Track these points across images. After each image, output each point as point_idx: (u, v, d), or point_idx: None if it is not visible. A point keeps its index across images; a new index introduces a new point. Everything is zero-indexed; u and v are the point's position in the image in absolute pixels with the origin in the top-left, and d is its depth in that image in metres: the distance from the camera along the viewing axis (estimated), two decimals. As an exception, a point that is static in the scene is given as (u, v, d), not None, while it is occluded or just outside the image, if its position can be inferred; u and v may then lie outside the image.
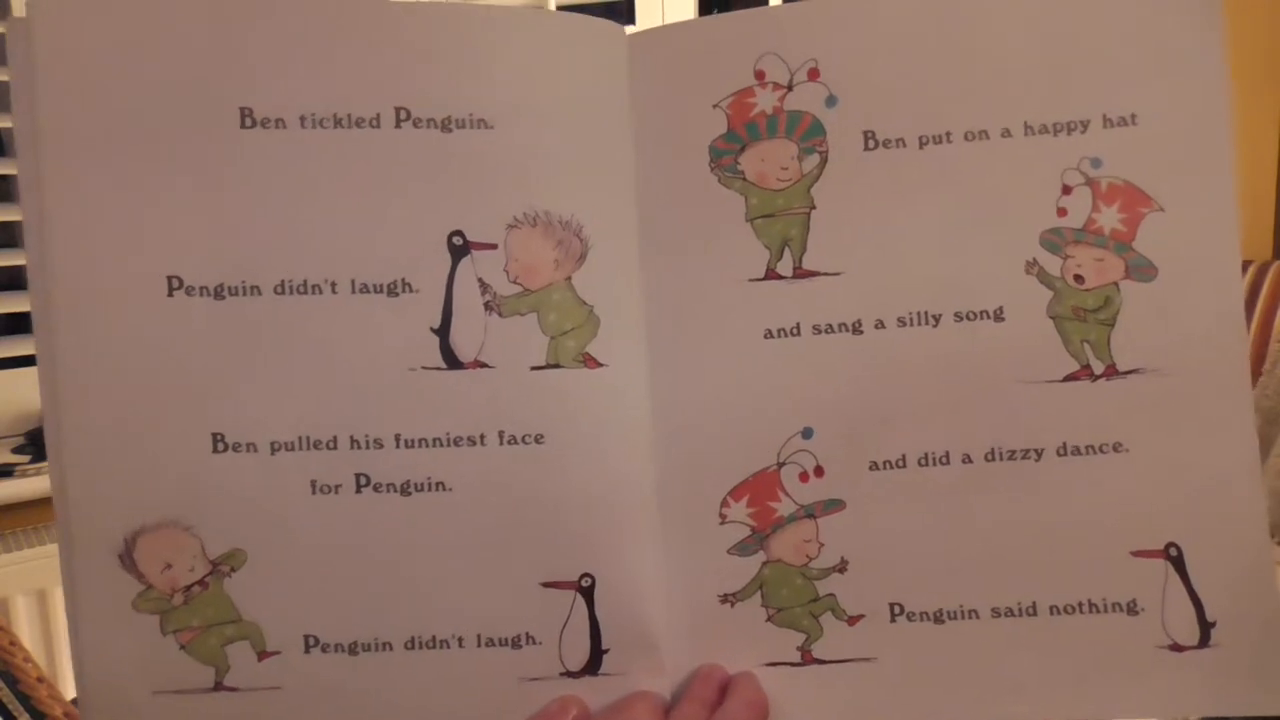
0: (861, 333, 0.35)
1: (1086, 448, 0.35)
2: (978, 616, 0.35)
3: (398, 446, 0.34)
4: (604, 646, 0.35)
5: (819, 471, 0.35)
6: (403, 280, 0.34)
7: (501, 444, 0.34)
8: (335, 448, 0.34)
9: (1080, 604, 0.35)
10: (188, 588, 0.34)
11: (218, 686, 0.34)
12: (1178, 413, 0.34)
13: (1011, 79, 0.34)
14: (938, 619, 0.35)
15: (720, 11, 0.36)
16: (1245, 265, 1.19)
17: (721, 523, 0.35)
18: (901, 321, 0.35)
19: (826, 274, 0.35)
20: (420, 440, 0.34)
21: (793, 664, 0.36)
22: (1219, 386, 0.34)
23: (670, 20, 0.36)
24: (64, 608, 0.34)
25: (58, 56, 0.32)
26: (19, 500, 1.19)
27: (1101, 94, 0.34)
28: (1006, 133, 0.34)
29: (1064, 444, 0.35)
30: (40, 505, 1.22)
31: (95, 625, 0.34)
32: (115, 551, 0.33)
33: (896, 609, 0.35)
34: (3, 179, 1.27)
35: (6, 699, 0.66)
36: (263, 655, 0.34)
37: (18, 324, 1.32)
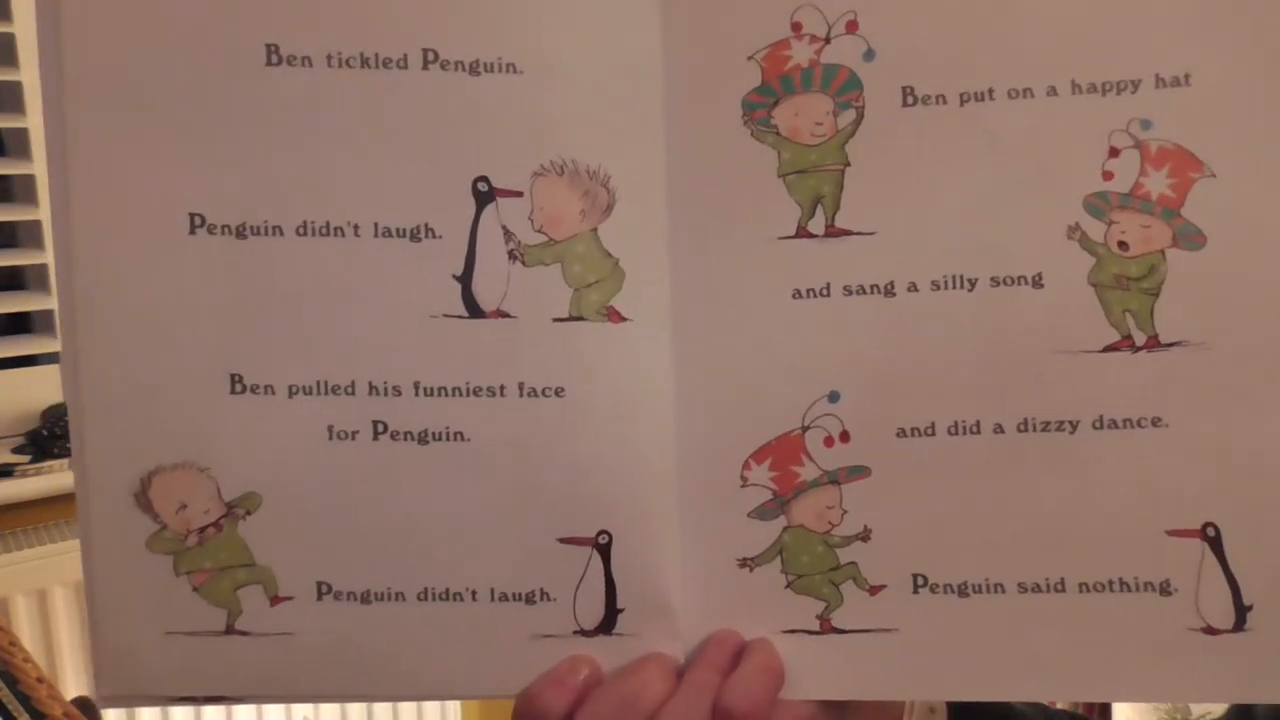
0: (894, 295, 0.34)
1: (1124, 421, 0.33)
2: (1003, 591, 0.34)
3: (416, 395, 0.33)
4: (619, 606, 0.34)
5: (845, 437, 0.34)
6: (425, 225, 0.33)
7: (521, 396, 0.34)
8: (353, 393, 0.33)
9: (1111, 582, 0.34)
10: (202, 529, 0.34)
11: (229, 630, 0.34)
12: (1221, 388, 0.33)
13: (1059, 35, 0.33)
14: (962, 592, 0.34)
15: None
16: None
17: (742, 485, 0.35)
18: (936, 285, 0.34)
19: (859, 233, 0.34)
20: (439, 389, 0.33)
21: (811, 632, 0.35)
22: (1266, 363, 0.33)
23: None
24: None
25: None
26: (19, 500, 1.20)
27: (1154, 52, 0.33)
28: (1052, 91, 0.33)
29: (1100, 417, 0.33)
30: (40, 505, 1.22)
31: (109, 565, 0.34)
32: (131, 490, 0.33)
33: (920, 580, 0.34)
34: (3, 179, 1.28)
35: (6, 699, 0.67)
36: (275, 600, 0.34)
37: (18, 324, 1.33)
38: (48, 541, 1.22)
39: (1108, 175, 0.33)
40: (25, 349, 1.28)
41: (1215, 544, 0.33)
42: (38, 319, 1.31)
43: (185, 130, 0.32)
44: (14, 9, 1.20)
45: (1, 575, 1.18)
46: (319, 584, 0.34)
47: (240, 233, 0.33)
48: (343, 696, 0.35)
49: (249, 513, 0.34)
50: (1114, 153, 0.33)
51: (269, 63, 0.32)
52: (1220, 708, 0.44)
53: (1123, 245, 0.33)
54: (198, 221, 0.33)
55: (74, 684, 1.22)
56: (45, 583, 1.20)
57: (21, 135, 1.24)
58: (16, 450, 1.26)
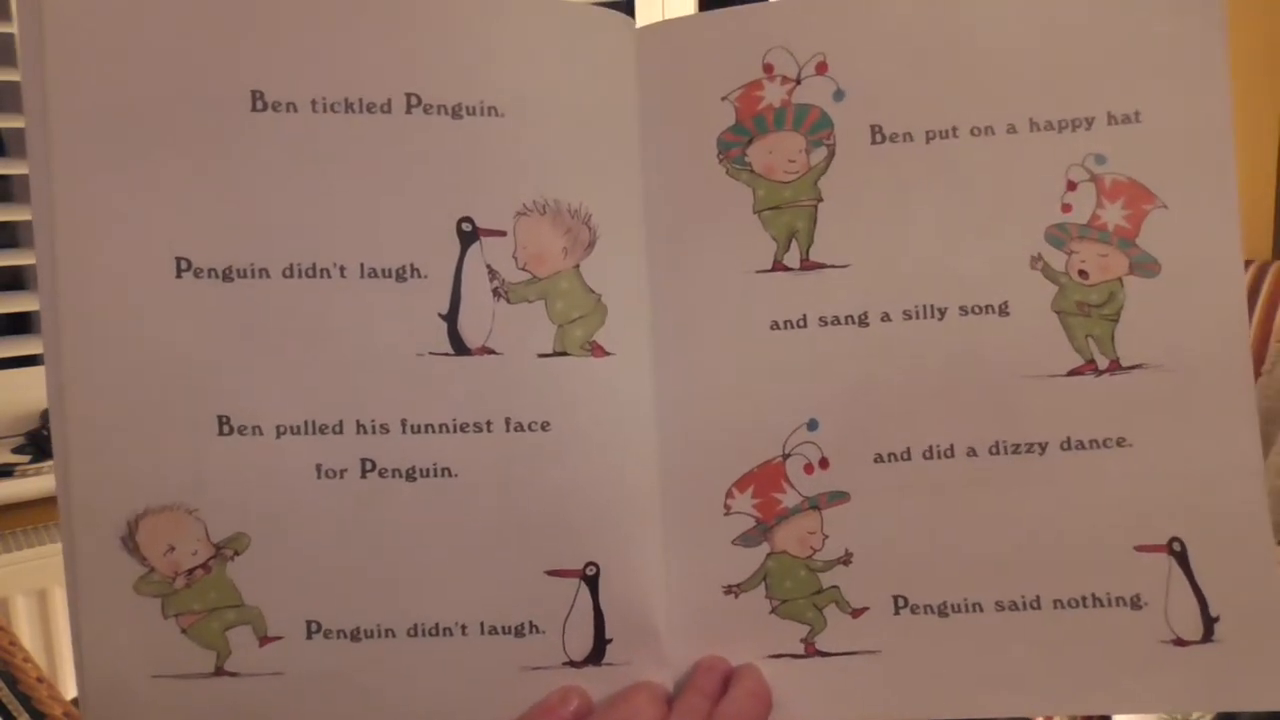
0: (867, 325, 0.35)
1: (1090, 442, 0.35)
2: (981, 610, 0.35)
3: (404, 432, 0.34)
4: (607, 636, 0.35)
5: (824, 463, 0.35)
6: (411, 266, 0.34)
7: (508, 431, 0.34)
8: (341, 432, 0.34)
9: (1084, 598, 0.35)
10: (190, 571, 0.34)
11: (218, 671, 0.34)
12: (1181, 408, 0.34)
13: (1017, 76, 0.35)
14: (941, 612, 0.35)
15: (723, 7, 0.36)
16: (1245, 265, 1.18)
17: (726, 514, 0.35)
18: (907, 315, 0.35)
19: (833, 266, 0.35)
20: (426, 426, 0.34)
21: (796, 656, 0.36)
22: (1221, 382, 0.34)
23: (670, 17, 0.37)
24: (65, 593, 0.34)
25: (69, 34, 0.32)
26: (19, 500, 1.19)
27: (1106, 91, 0.34)
28: (1012, 129, 0.35)
29: (1068, 438, 0.35)
30: (40, 505, 1.22)
31: (95, 608, 0.33)
32: (118, 533, 0.33)
33: (900, 601, 0.35)
34: (3, 179, 1.27)
35: (6, 699, 0.66)
36: (264, 640, 0.34)
37: (18, 324, 1.32)
38: (48, 541, 1.21)
39: (1066, 208, 0.35)
40: (25, 349, 1.26)
41: (1181, 558, 0.34)
42: (38, 319, 1.29)
43: (172, 175, 0.33)
44: (14, 9, 1.19)
45: (1, 575, 1.17)
46: (308, 623, 0.34)
47: (227, 275, 0.33)
48: (333, 735, 0.35)
49: (237, 553, 0.34)
50: (1071, 186, 0.35)
51: (254, 108, 0.33)
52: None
53: (1083, 274, 0.35)
54: (184, 265, 0.33)
55: (74, 684, 1.20)
56: (45, 583, 1.19)
57: (22, 135, 1.22)
58: (16, 450, 1.25)
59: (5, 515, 1.20)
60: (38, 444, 1.25)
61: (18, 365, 1.27)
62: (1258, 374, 1.06)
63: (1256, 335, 1.09)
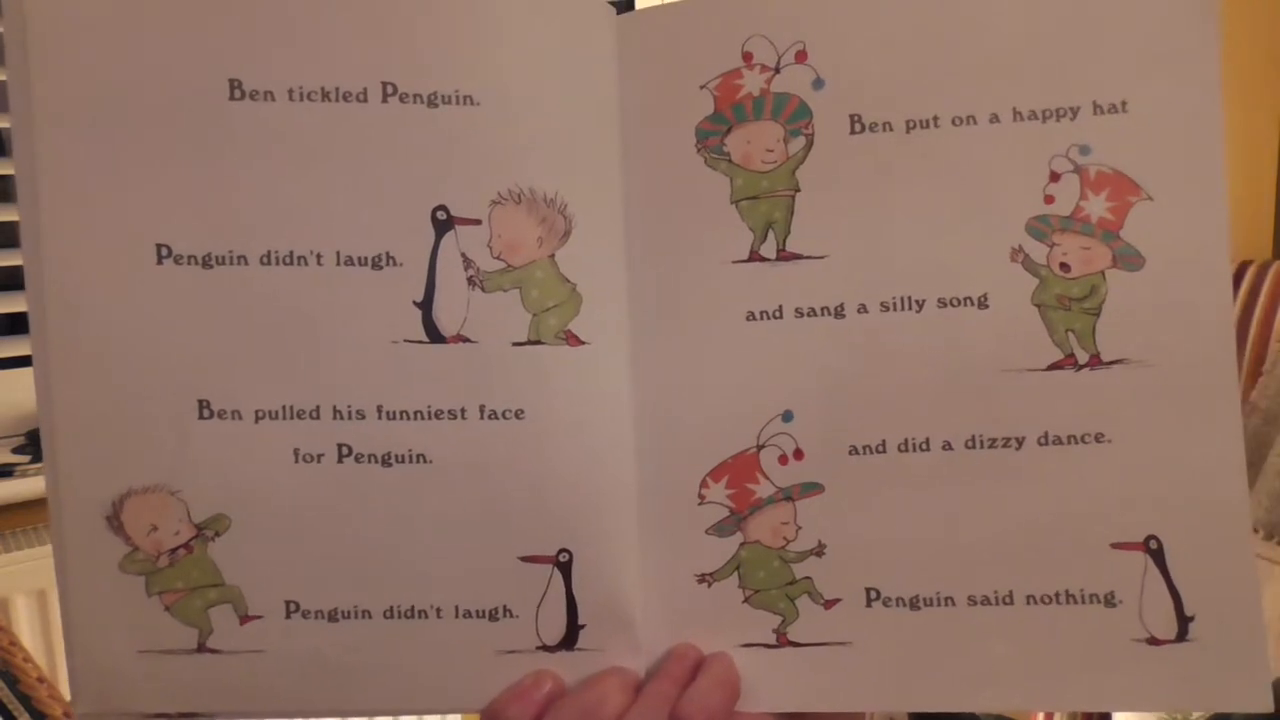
0: (844, 317, 0.35)
1: (1068, 438, 0.34)
2: (954, 604, 0.35)
3: (379, 418, 0.34)
4: (580, 622, 0.35)
5: (798, 454, 0.35)
6: (387, 254, 0.34)
7: (482, 418, 0.34)
8: (318, 418, 0.34)
9: (1058, 595, 0.35)
10: (173, 550, 0.35)
11: (200, 648, 0.35)
12: (1162, 404, 0.34)
13: (1001, 64, 0.34)
14: (914, 605, 0.35)
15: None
16: (1245, 265, 1.14)
17: (700, 503, 0.36)
18: (885, 306, 0.35)
19: (810, 257, 0.35)
20: (401, 412, 0.34)
21: (768, 646, 0.36)
22: (1204, 379, 0.34)
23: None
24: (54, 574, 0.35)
25: (50, 25, 0.33)
26: (19, 500, 1.19)
27: (1092, 80, 0.34)
28: (995, 118, 0.34)
29: (1045, 433, 0.34)
30: (41, 505, 1.21)
31: (83, 585, 0.35)
32: (103, 513, 0.34)
33: (873, 594, 0.35)
34: (2, 179, 1.28)
35: (6, 699, 0.67)
36: (245, 619, 0.35)
37: (17, 324, 1.32)
38: (48, 541, 1.21)
39: (1049, 199, 0.34)
40: (25, 349, 1.27)
41: (1158, 556, 0.34)
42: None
43: (152, 163, 0.33)
44: (1, 5, 1.19)
45: (1, 575, 1.17)
46: (287, 603, 0.35)
47: (206, 262, 0.34)
48: (312, 712, 0.36)
49: (218, 534, 0.35)
50: (1055, 177, 0.34)
51: (232, 97, 0.33)
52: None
53: (1064, 266, 0.34)
54: (165, 252, 0.34)
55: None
56: (45, 583, 1.20)
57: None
58: (16, 450, 1.26)
59: (5, 515, 1.20)
60: (38, 444, 1.25)
61: (17, 365, 1.27)
62: (1258, 374, 1.02)
63: (1257, 335, 1.05)
